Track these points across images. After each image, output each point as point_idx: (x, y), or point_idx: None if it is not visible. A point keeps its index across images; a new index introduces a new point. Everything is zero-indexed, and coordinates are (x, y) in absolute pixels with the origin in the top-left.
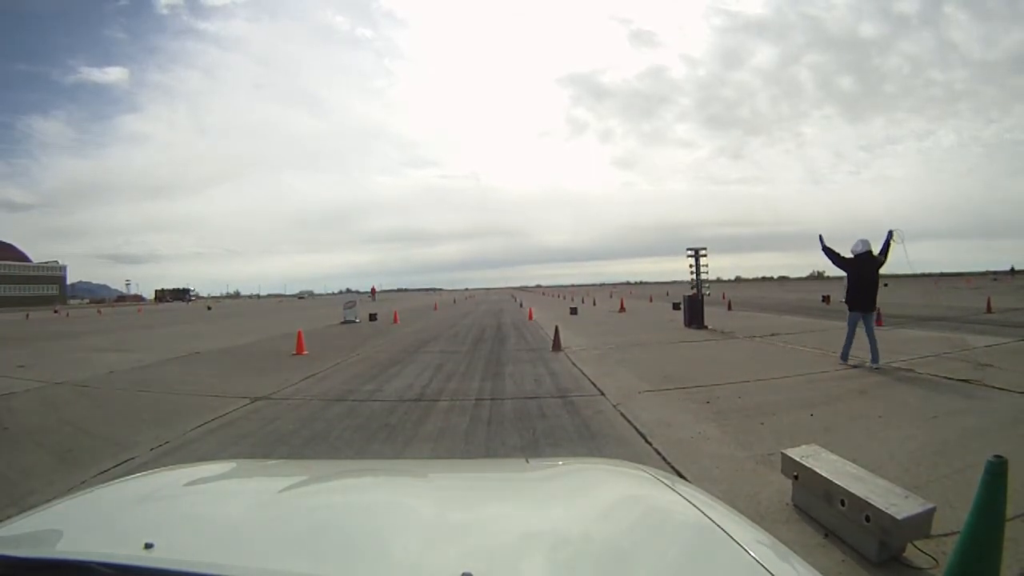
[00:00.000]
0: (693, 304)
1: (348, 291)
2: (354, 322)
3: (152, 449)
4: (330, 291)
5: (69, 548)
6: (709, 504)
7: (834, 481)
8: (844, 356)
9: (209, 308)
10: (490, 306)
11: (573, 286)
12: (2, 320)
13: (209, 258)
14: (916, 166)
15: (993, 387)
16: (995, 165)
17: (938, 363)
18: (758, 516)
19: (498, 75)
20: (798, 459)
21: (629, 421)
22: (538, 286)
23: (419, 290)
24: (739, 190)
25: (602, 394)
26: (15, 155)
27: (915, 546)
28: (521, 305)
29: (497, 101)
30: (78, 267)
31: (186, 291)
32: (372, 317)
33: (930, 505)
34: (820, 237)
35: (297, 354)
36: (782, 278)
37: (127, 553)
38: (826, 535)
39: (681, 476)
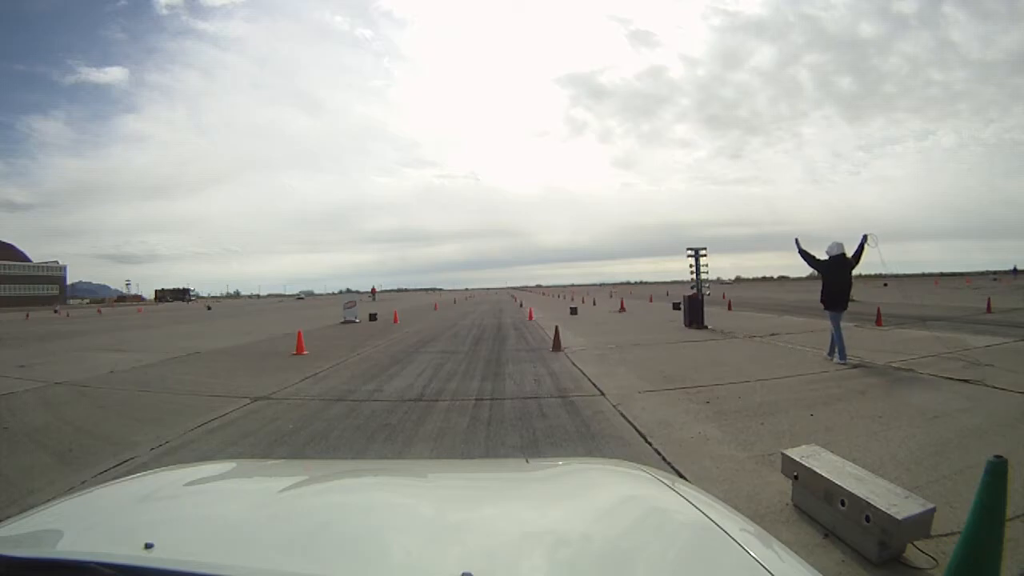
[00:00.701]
0: (693, 304)
1: (348, 291)
2: (354, 322)
3: (152, 449)
4: (330, 291)
5: (69, 548)
6: (709, 504)
7: (834, 481)
8: (842, 356)
9: (209, 308)
10: (490, 306)
11: (573, 286)
12: (2, 320)
13: (209, 258)
14: (916, 166)
15: (993, 387)
16: (995, 165)
17: (938, 363)
18: (758, 516)
19: (497, 75)
20: (798, 459)
21: (629, 421)
22: (538, 286)
23: (419, 290)
24: (738, 190)
25: (602, 394)
26: (15, 155)
27: (915, 546)
28: (521, 305)
29: (496, 101)
30: (78, 267)
31: (186, 291)
32: (372, 317)
33: (930, 505)
34: (796, 240)
35: (297, 354)
36: (782, 278)
37: (127, 553)
38: (826, 535)
39: (681, 476)
